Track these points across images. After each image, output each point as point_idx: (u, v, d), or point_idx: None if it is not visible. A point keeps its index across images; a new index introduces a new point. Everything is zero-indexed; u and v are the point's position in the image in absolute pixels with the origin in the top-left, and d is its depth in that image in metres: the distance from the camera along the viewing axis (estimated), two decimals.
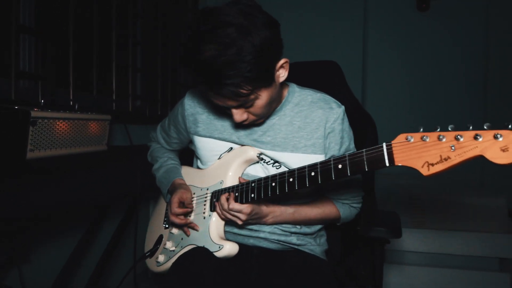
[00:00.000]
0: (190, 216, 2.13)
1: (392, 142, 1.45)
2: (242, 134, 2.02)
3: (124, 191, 2.70)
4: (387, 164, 1.46)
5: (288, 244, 2.08)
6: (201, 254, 1.93)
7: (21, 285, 2.51)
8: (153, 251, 2.28)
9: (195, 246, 2.03)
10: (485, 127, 1.25)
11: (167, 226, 2.29)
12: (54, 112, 2.09)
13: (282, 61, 1.77)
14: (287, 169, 1.90)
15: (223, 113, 2.06)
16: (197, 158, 2.28)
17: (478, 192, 4.39)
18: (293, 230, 2.07)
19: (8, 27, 2.34)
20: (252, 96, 1.71)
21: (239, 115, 1.80)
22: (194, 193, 2.16)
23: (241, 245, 1.99)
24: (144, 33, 3.97)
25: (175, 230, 2.18)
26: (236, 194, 1.92)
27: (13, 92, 2.33)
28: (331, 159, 1.65)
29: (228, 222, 2.02)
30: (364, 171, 1.55)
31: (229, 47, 1.56)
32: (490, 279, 3.93)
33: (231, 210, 1.87)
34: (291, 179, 1.76)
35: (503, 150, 1.20)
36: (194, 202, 2.15)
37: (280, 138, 1.98)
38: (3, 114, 1.93)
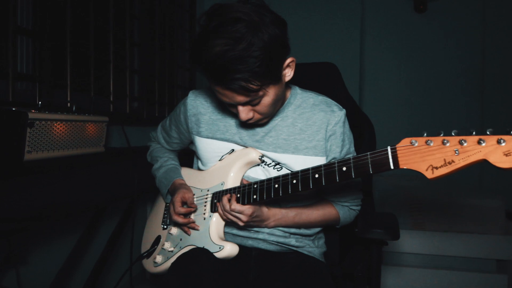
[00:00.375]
0: (190, 217, 2.13)
1: (397, 145, 1.47)
2: (244, 135, 2.03)
3: (121, 193, 2.70)
4: (392, 167, 1.48)
5: (286, 246, 2.08)
6: (200, 254, 1.92)
7: (18, 287, 2.51)
8: (150, 252, 2.28)
9: (193, 246, 2.03)
10: (488, 132, 1.27)
11: (165, 227, 2.29)
12: (52, 113, 2.09)
13: (289, 60, 1.79)
14: (289, 171, 1.91)
15: (226, 113, 2.07)
16: (198, 158, 2.28)
17: (476, 193, 4.39)
18: (292, 231, 2.07)
19: (6, 29, 2.34)
20: (261, 93, 1.72)
21: (245, 113, 1.80)
22: (194, 194, 2.16)
23: (240, 247, 1.98)
24: (142, 34, 3.96)
25: (173, 231, 2.18)
26: (238, 195, 1.92)
27: (11, 94, 2.33)
28: (336, 161, 1.65)
29: (228, 223, 2.02)
30: (368, 174, 1.56)
31: (239, 42, 1.57)
32: (488, 280, 3.93)
33: (233, 210, 1.88)
34: (294, 181, 1.76)
35: (506, 155, 1.22)
36: (195, 203, 2.14)
37: (282, 139, 1.98)
38: (0, 115, 1.93)
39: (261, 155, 2.00)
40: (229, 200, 1.91)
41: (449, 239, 4.03)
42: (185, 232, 2.10)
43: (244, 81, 1.62)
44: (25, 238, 2.60)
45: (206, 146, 2.13)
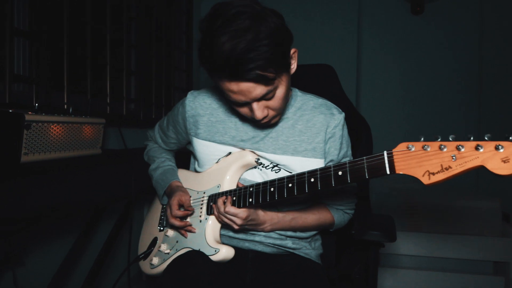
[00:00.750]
0: (187, 219, 2.12)
1: (393, 150, 1.46)
2: (244, 137, 2.03)
3: (118, 195, 2.70)
4: (388, 172, 1.47)
5: (283, 248, 2.08)
6: (196, 257, 1.92)
7: None
8: (147, 254, 2.28)
9: (190, 249, 2.02)
10: (486, 138, 1.26)
11: (161, 228, 2.29)
12: (48, 115, 2.08)
13: (292, 50, 1.80)
14: (287, 173, 1.91)
15: (225, 115, 2.08)
16: (195, 159, 2.28)
17: (473, 195, 4.39)
18: (289, 234, 2.07)
19: (2, 30, 2.34)
20: (276, 82, 1.71)
21: (260, 110, 1.78)
22: (191, 197, 2.16)
23: (236, 249, 1.98)
24: (139, 36, 3.96)
25: (170, 233, 2.18)
26: (234, 198, 1.92)
27: (8, 95, 2.33)
28: (331, 165, 1.65)
29: (224, 226, 2.01)
30: (364, 179, 1.55)
31: (246, 32, 1.57)
32: (485, 282, 3.94)
33: (227, 213, 1.87)
34: (290, 185, 1.76)
35: (504, 161, 1.21)
36: (191, 205, 2.14)
37: (281, 141, 1.99)
38: None
39: (257, 157, 2.00)
40: (224, 203, 1.91)
41: (445, 241, 4.04)
42: (182, 234, 2.10)
43: (260, 70, 1.61)
44: (22, 239, 2.59)
45: (204, 148, 2.13)
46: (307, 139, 1.98)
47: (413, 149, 1.40)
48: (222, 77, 1.67)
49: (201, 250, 1.98)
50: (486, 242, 3.98)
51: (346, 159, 2.08)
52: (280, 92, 1.76)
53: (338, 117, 2.00)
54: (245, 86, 1.67)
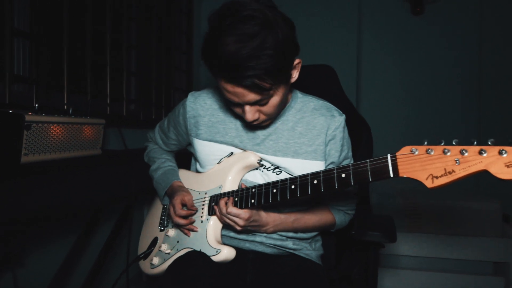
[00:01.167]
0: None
1: (397, 153, 1.47)
2: (244, 138, 2.03)
3: (118, 195, 2.70)
4: (391, 175, 1.47)
5: (284, 249, 2.08)
6: (197, 257, 1.93)
7: None
8: (147, 254, 2.28)
9: (190, 249, 2.03)
10: (489, 143, 1.26)
11: (162, 228, 2.28)
12: (48, 116, 2.08)
13: (296, 61, 1.79)
14: (288, 175, 1.91)
15: (226, 116, 2.07)
16: (196, 161, 2.28)
17: (473, 196, 4.39)
18: (290, 235, 2.07)
19: (2, 31, 2.34)
20: (271, 92, 1.71)
21: (252, 113, 1.79)
22: (192, 197, 2.15)
23: (237, 249, 1.98)
24: (139, 36, 3.96)
25: (171, 233, 2.18)
26: (236, 199, 1.92)
27: (7, 96, 2.33)
28: (335, 168, 1.65)
29: (226, 226, 2.01)
30: (367, 182, 1.56)
31: (252, 39, 1.56)
32: (485, 283, 3.94)
33: (229, 214, 1.87)
34: (292, 186, 1.76)
35: (508, 166, 1.22)
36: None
37: (282, 143, 1.98)
38: None
39: (259, 159, 2.00)
40: (226, 203, 1.90)
41: (446, 242, 4.04)
42: (185, 234, 2.10)
43: (257, 79, 1.62)
44: (22, 240, 2.59)
45: (205, 149, 2.13)
46: (308, 141, 1.98)
47: (416, 152, 1.40)
48: (220, 76, 1.68)
49: (202, 250, 1.98)
50: (486, 243, 3.98)
51: (347, 161, 2.08)
52: (274, 100, 1.76)
53: (338, 119, 1.99)
54: (240, 90, 1.68)
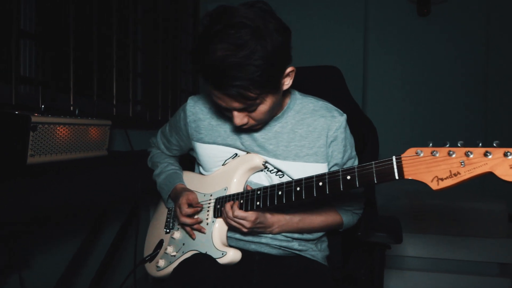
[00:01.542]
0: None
1: (402, 155, 1.46)
2: (245, 140, 2.02)
3: (124, 196, 2.70)
4: (397, 177, 1.47)
5: (289, 250, 2.08)
6: (203, 260, 1.93)
7: None
8: (153, 256, 2.28)
9: (196, 252, 2.03)
10: (494, 145, 1.26)
11: (168, 231, 2.28)
12: (55, 117, 2.09)
13: (289, 69, 1.77)
14: (290, 178, 1.91)
15: (225, 119, 2.06)
16: (199, 165, 2.27)
17: (479, 197, 4.39)
18: (296, 236, 2.07)
19: (9, 32, 2.34)
20: (258, 101, 1.71)
21: (239, 118, 1.79)
22: (197, 197, 2.15)
23: (243, 251, 1.98)
24: (145, 38, 3.97)
25: (176, 235, 2.18)
26: (241, 201, 1.91)
27: (14, 97, 2.33)
28: (340, 170, 1.64)
29: (232, 229, 2.00)
30: (373, 183, 1.55)
31: (241, 48, 1.55)
32: (490, 284, 3.93)
33: (236, 217, 1.86)
34: (298, 188, 1.75)
35: None
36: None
37: (282, 146, 1.97)
38: (3, 119, 1.93)
39: (264, 161, 1.99)
40: (232, 207, 1.90)
41: (452, 243, 4.03)
42: (190, 236, 2.10)
43: (242, 89, 1.62)
44: (28, 241, 2.60)
45: (208, 152, 2.13)
46: (308, 143, 1.97)
47: (422, 154, 1.40)
48: (207, 81, 1.68)
49: (208, 253, 1.98)
50: (492, 244, 3.97)
51: (351, 161, 2.08)
52: (263, 107, 1.76)
53: (339, 119, 1.98)
54: (225, 97, 1.69)
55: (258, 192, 1.88)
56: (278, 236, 2.04)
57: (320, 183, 1.69)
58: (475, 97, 5.15)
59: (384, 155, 1.62)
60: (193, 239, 2.09)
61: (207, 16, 1.68)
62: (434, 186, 1.37)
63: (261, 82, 1.62)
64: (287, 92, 2.03)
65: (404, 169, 1.44)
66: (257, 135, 1.99)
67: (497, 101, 5.09)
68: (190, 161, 2.41)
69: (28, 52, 2.67)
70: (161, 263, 2.16)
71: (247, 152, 2.05)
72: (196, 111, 2.14)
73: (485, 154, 1.26)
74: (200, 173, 2.29)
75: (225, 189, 2.06)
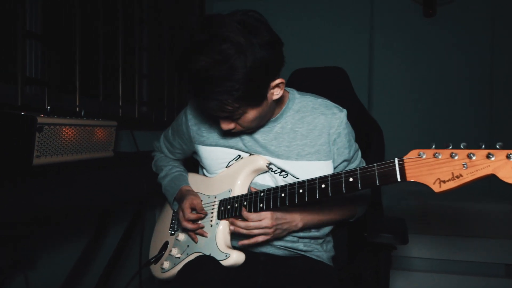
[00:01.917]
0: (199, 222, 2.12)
1: (404, 157, 1.46)
2: (247, 141, 2.02)
3: (130, 197, 2.70)
4: (399, 180, 1.47)
5: (295, 251, 2.08)
6: (207, 262, 1.93)
7: None
8: (158, 258, 2.28)
9: (201, 254, 2.03)
10: (497, 146, 1.26)
11: (173, 232, 2.29)
12: (60, 118, 2.09)
13: (277, 81, 1.76)
14: (295, 178, 1.92)
15: None
16: (203, 168, 2.28)
17: (485, 198, 4.38)
18: (301, 235, 2.07)
19: (15, 33, 2.35)
20: (240, 111, 1.72)
21: (225, 124, 1.82)
22: (202, 201, 2.15)
23: (248, 252, 1.98)
24: (150, 38, 3.97)
25: (181, 237, 2.18)
26: (245, 203, 1.92)
27: (20, 98, 2.34)
28: (342, 172, 1.65)
29: (260, 244, 1.99)
30: (375, 186, 1.55)
31: (220, 63, 1.56)
32: (496, 285, 3.92)
33: (252, 220, 1.87)
34: (301, 191, 1.76)
35: None
36: None
37: (284, 146, 1.97)
38: (9, 120, 1.93)
39: (268, 162, 1.99)
40: (242, 217, 1.91)
41: (457, 244, 4.02)
42: (193, 239, 2.10)
43: (220, 103, 1.65)
44: (34, 242, 2.60)
45: (211, 154, 2.13)
46: (310, 142, 1.96)
47: (424, 156, 1.40)
48: (189, 88, 1.70)
49: (211, 255, 1.98)
50: (498, 245, 3.96)
51: (358, 154, 2.09)
52: (248, 116, 1.78)
53: (339, 116, 1.97)
54: (207, 106, 1.72)
55: (262, 194, 1.88)
56: (284, 237, 2.04)
57: (323, 185, 1.69)
58: (481, 98, 5.13)
59: (390, 156, 1.62)
60: (196, 242, 2.09)
61: (199, 22, 1.69)
62: (436, 188, 1.37)
63: (239, 96, 1.63)
64: (285, 92, 2.03)
65: (406, 171, 1.45)
66: (258, 136, 1.99)
67: (503, 102, 5.06)
68: (194, 164, 2.41)
69: (34, 53, 2.68)
70: (166, 265, 2.17)
71: (250, 154, 2.05)
72: (197, 113, 2.14)
73: (488, 156, 1.26)
74: (204, 175, 2.28)
75: (229, 191, 2.06)
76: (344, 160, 2.01)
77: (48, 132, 2.00)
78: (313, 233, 2.10)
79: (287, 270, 2.02)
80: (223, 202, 2.05)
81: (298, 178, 1.94)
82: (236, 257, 1.93)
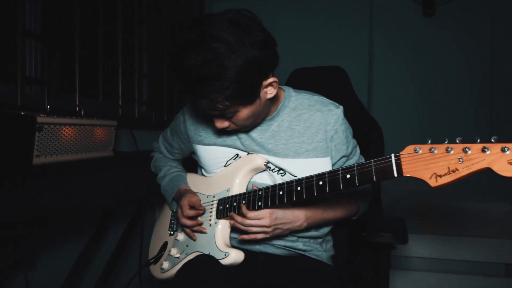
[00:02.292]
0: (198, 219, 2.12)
1: (401, 153, 1.46)
2: (245, 140, 2.02)
3: (130, 197, 2.70)
4: (396, 175, 1.47)
5: (294, 250, 2.08)
6: (206, 261, 1.93)
7: None
8: (157, 258, 2.28)
9: (200, 253, 2.03)
10: (492, 140, 1.27)
11: (172, 233, 2.29)
12: (60, 117, 2.09)
13: (270, 80, 1.76)
14: (293, 177, 1.91)
15: None
16: (201, 167, 2.28)
17: (484, 197, 4.39)
18: (300, 235, 2.07)
19: (14, 33, 2.35)
20: (232, 110, 1.73)
21: (219, 122, 1.82)
22: (200, 199, 2.15)
23: (247, 251, 1.99)
24: (150, 38, 3.97)
25: (180, 237, 2.18)
26: (243, 202, 1.92)
27: (19, 98, 2.34)
28: (339, 168, 1.65)
29: (256, 240, 1.96)
30: (372, 181, 1.55)
31: (211, 62, 1.57)
32: (496, 284, 3.92)
33: (250, 219, 1.86)
34: (298, 188, 1.76)
35: (511, 163, 1.23)
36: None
37: (281, 144, 1.97)
38: (9, 119, 1.94)
39: (266, 161, 1.99)
40: (241, 213, 1.91)
41: (457, 243, 4.02)
42: (190, 237, 2.11)
43: (211, 101, 1.65)
44: (34, 242, 2.60)
45: (209, 153, 2.13)
46: (307, 139, 1.96)
47: (420, 151, 1.40)
48: (181, 86, 1.70)
49: (211, 254, 1.98)
50: (498, 245, 3.96)
51: (356, 150, 2.09)
52: (241, 115, 1.78)
53: (336, 112, 1.97)
54: (199, 104, 1.72)
55: (260, 193, 1.89)
56: (283, 236, 2.04)
57: (320, 183, 1.69)
58: (481, 97, 5.14)
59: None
60: (194, 240, 2.10)
61: (191, 21, 1.70)
62: (432, 183, 1.38)
63: (230, 95, 1.64)
64: (281, 90, 2.03)
65: (403, 167, 1.45)
66: (255, 135, 1.99)
67: (503, 101, 5.07)
68: (193, 164, 2.41)
69: (33, 52, 2.68)
70: (165, 265, 2.17)
71: (248, 152, 2.05)
72: (195, 113, 2.14)
73: (483, 150, 1.26)
74: (203, 175, 2.29)
75: (227, 190, 2.07)
76: (343, 156, 2.01)
77: (47, 131, 2.00)
78: (313, 232, 2.10)
79: (286, 269, 2.02)
80: (222, 201, 2.05)
81: (296, 176, 1.94)
82: (235, 256, 1.93)
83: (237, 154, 2.08)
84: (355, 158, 2.09)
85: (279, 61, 1.79)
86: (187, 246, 2.13)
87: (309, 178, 1.74)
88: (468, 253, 4.00)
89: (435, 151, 1.37)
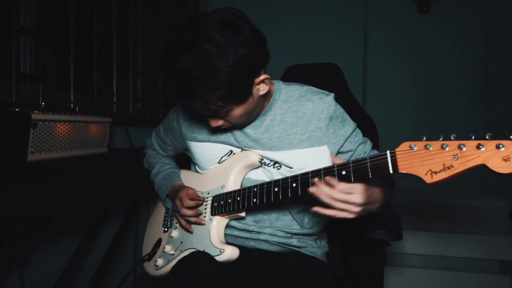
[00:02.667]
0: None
1: (396, 150, 1.48)
2: (239, 136, 2.02)
3: (125, 194, 2.70)
4: (391, 171, 1.49)
5: (288, 246, 2.08)
6: (201, 257, 1.94)
7: None
8: (151, 255, 2.28)
9: (194, 250, 2.04)
10: (487, 137, 1.28)
11: (166, 229, 2.29)
12: (55, 114, 2.09)
13: (262, 77, 1.77)
14: (289, 168, 1.92)
15: None
16: (195, 164, 2.29)
17: (479, 194, 4.39)
18: (295, 232, 2.07)
19: (9, 29, 2.34)
20: (225, 109, 1.74)
21: (214, 121, 1.84)
22: (197, 192, 2.15)
23: (241, 248, 1.99)
24: (145, 35, 3.97)
25: (174, 234, 2.18)
26: (238, 198, 1.93)
27: (14, 95, 2.33)
28: (335, 165, 1.65)
29: (330, 217, 1.70)
30: (368, 178, 1.56)
31: (203, 64, 1.58)
32: (491, 281, 3.93)
33: (342, 191, 1.60)
34: (294, 185, 1.76)
35: (505, 160, 1.24)
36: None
37: (275, 138, 1.97)
38: (3, 116, 1.94)
39: (260, 157, 2.00)
40: (329, 182, 1.65)
41: (452, 240, 4.03)
42: (187, 229, 2.11)
43: (204, 102, 1.66)
44: (29, 239, 2.60)
45: (203, 150, 2.14)
46: (300, 129, 1.95)
47: (415, 148, 1.42)
48: (173, 88, 1.72)
49: (205, 250, 1.99)
50: (493, 241, 3.97)
51: (358, 132, 2.04)
52: (236, 112, 1.78)
53: (327, 100, 1.95)
54: (192, 105, 1.74)
55: (255, 189, 1.89)
56: (277, 233, 2.05)
57: (316, 179, 1.68)
58: (476, 94, 5.15)
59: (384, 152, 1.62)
60: (191, 232, 2.10)
61: (184, 22, 1.71)
62: (428, 179, 1.39)
63: (222, 96, 1.65)
64: (271, 85, 2.02)
65: (398, 163, 1.47)
66: (249, 131, 2.00)
67: (498, 98, 5.08)
68: (186, 161, 2.41)
69: (28, 49, 2.67)
70: (160, 262, 2.17)
71: (242, 149, 2.05)
72: (188, 110, 2.15)
73: (478, 147, 1.28)
74: (196, 171, 2.29)
75: (222, 187, 2.07)
76: (346, 140, 1.98)
77: (42, 128, 2.00)
78: (307, 229, 2.10)
79: (281, 266, 2.02)
80: (216, 198, 2.06)
81: (291, 168, 1.95)
82: (230, 253, 1.94)
83: (231, 151, 2.08)
84: (359, 137, 2.02)
85: (270, 57, 1.80)
86: (181, 243, 2.13)
87: (304, 175, 1.74)
88: (463, 250, 4.00)
89: (430, 148, 1.38)
